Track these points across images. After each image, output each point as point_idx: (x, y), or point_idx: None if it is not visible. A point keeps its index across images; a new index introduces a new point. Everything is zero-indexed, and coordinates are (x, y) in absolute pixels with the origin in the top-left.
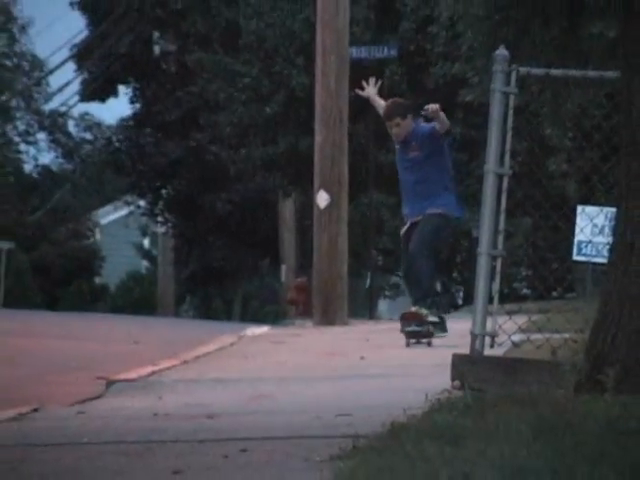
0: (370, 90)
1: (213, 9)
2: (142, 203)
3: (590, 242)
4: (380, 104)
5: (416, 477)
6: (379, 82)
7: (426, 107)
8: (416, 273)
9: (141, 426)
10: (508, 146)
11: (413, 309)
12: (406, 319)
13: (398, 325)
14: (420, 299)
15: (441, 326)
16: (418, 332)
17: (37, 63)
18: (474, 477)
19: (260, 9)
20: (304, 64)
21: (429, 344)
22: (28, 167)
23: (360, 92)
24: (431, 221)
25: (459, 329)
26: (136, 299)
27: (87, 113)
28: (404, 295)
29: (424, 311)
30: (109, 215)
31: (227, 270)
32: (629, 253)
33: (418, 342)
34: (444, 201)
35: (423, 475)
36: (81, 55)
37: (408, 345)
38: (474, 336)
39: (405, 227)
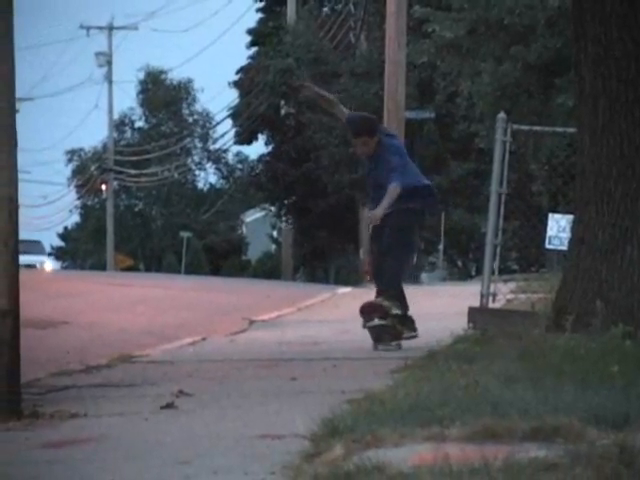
0: (310, 90)
1: (318, 86)
2: (273, 208)
3: (557, 236)
4: (330, 99)
5: (443, 383)
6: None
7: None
8: (384, 267)
9: (271, 349)
10: (505, 174)
11: (374, 300)
12: (367, 312)
13: (433, 288)
14: (383, 290)
15: (410, 325)
16: (383, 327)
17: (208, 119)
18: (481, 383)
19: (347, 86)
20: None
21: (399, 347)
22: (200, 185)
23: (303, 93)
24: (401, 216)
25: (473, 290)
26: (268, 269)
27: (240, 151)
28: (439, 268)
29: (386, 303)
30: (252, 215)
31: (326, 251)
32: (580, 244)
33: (387, 347)
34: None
35: (449, 382)
36: (235, 114)
37: (376, 349)
38: (482, 295)
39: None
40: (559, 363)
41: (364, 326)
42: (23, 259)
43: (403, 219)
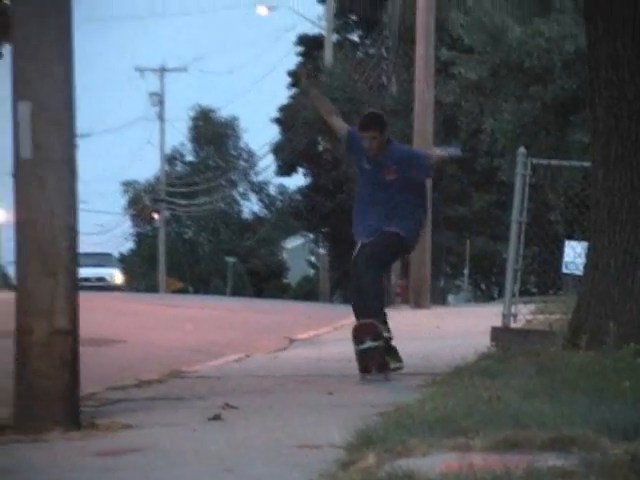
0: (314, 89)
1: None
2: (311, 236)
3: (573, 262)
4: (329, 108)
5: (468, 397)
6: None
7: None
8: (365, 291)
9: (309, 365)
10: (525, 205)
11: (367, 320)
12: (359, 333)
13: (459, 309)
14: (372, 315)
15: (395, 356)
16: (375, 349)
17: (251, 154)
18: (503, 397)
19: None
20: None
21: (387, 378)
22: (245, 214)
23: (305, 82)
24: (385, 238)
25: (495, 311)
26: (307, 292)
27: (281, 183)
28: (464, 291)
29: (379, 325)
30: (292, 242)
31: None
32: (594, 269)
33: (374, 378)
34: (404, 224)
35: (473, 396)
36: (276, 149)
37: (364, 379)
38: (504, 315)
39: (357, 249)
40: (574, 379)
41: (357, 351)
42: (94, 272)
43: (388, 241)
